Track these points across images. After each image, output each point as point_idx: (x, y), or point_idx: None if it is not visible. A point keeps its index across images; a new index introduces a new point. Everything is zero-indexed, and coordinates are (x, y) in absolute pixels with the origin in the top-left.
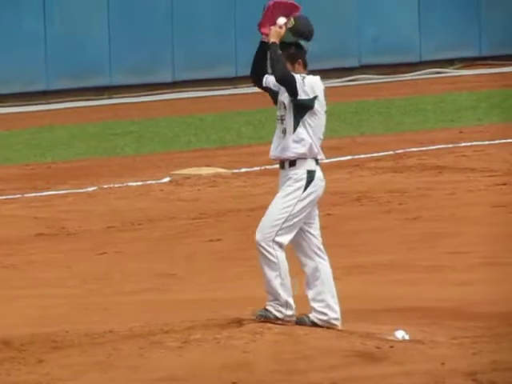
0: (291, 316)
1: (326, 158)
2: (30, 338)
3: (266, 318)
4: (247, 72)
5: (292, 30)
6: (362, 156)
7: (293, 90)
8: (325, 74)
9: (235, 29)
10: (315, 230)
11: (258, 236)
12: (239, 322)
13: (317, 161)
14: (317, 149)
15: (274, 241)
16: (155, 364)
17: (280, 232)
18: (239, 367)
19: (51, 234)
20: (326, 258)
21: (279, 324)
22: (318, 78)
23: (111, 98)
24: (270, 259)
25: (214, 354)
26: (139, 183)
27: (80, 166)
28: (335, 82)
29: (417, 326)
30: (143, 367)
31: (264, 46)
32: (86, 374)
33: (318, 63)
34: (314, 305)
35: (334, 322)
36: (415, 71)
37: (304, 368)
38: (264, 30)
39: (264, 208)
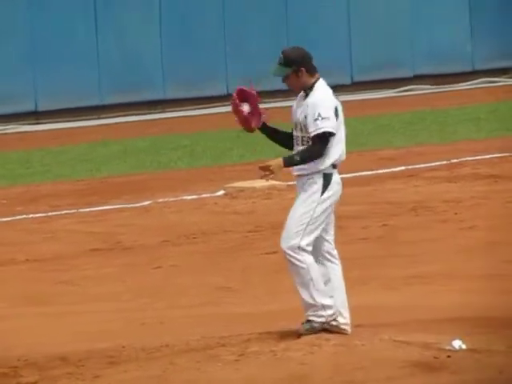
0: (332, 315)
1: (381, 169)
2: (86, 353)
3: (314, 329)
4: None
5: (284, 64)
6: (417, 166)
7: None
8: (378, 84)
9: (288, 43)
10: (329, 235)
11: (284, 245)
12: (296, 334)
13: (334, 165)
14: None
15: (299, 247)
16: (212, 378)
17: (304, 237)
18: (296, 379)
19: (106, 248)
20: (337, 263)
21: (327, 328)
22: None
23: (164, 111)
24: (299, 266)
25: (271, 367)
26: (193, 197)
27: (134, 181)
28: (389, 93)
29: (474, 335)
30: (200, 381)
31: (266, 130)
32: None
33: (371, 74)
34: None
35: (342, 326)
36: (468, 81)
37: (362, 379)
38: (251, 124)
39: None
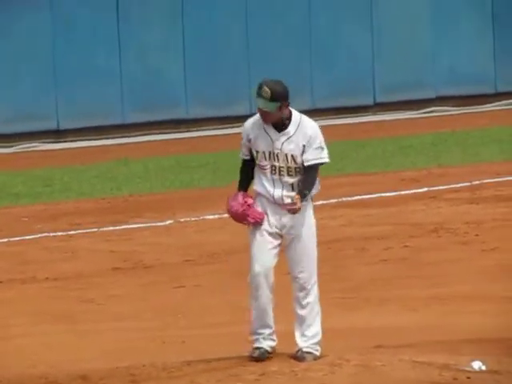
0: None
1: (403, 190)
2: (107, 371)
3: (316, 358)
4: (324, 104)
5: (272, 99)
6: (439, 187)
7: None
8: (401, 105)
9: (311, 65)
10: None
11: (308, 284)
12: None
13: None
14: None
15: (315, 280)
16: None
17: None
18: None
19: (128, 267)
20: None
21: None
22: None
23: (187, 131)
24: (316, 298)
25: None
26: (216, 216)
27: (156, 200)
28: (411, 114)
29: (494, 357)
30: None
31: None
32: None
33: (394, 95)
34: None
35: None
36: (491, 102)
37: None
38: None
39: (342, 240)
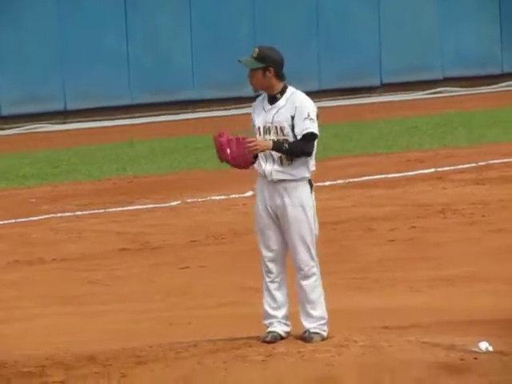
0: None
1: (410, 171)
2: (114, 353)
3: (324, 339)
4: (330, 85)
5: (257, 57)
6: (445, 168)
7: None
8: (407, 86)
9: (318, 47)
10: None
11: (304, 265)
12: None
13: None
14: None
15: (315, 261)
16: (239, 378)
17: (315, 247)
18: (323, 380)
19: (135, 248)
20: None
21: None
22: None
23: (194, 112)
24: (317, 280)
25: (298, 368)
26: (222, 197)
27: (163, 180)
28: (418, 95)
29: (500, 338)
30: (227, 381)
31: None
32: None
33: (400, 76)
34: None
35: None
36: (497, 83)
37: (389, 380)
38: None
39: (349, 221)
